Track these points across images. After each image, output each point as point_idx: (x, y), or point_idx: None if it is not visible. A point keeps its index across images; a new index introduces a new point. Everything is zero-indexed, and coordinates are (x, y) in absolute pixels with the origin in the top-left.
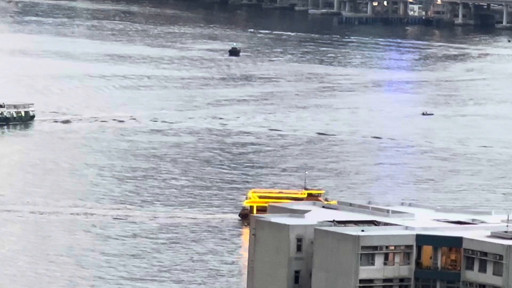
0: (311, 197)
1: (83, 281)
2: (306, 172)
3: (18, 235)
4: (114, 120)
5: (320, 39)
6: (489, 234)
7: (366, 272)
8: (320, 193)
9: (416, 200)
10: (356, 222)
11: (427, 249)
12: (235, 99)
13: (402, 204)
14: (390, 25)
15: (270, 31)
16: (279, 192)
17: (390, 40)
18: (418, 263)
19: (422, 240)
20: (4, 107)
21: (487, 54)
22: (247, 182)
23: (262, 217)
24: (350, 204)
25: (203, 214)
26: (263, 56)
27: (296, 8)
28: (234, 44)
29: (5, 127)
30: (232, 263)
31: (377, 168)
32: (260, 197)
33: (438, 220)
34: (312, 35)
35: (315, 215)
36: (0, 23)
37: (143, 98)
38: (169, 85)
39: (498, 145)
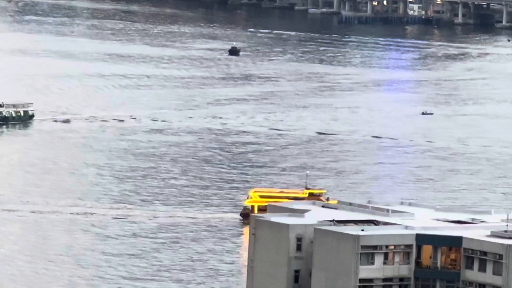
0: (313, 196)
1: (82, 281)
2: (308, 172)
3: (17, 235)
4: (113, 119)
5: (320, 38)
6: (489, 233)
7: (366, 271)
8: (322, 193)
9: (416, 200)
10: (356, 222)
11: (427, 249)
12: (235, 99)
13: (402, 203)
14: (390, 25)
15: (270, 31)
16: (280, 192)
17: (390, 39)
18: (418, 263)
19: (422, 239)
20: (3, 106)
21: (486, 54)
22: (247, 181)
23: (261, 217)
24: (350, 204)
25: (202, 214)
26: (263, 55)
27: (296, 7)
28: (234, 43)
29: (4, 126)
30: (232, 262)
31: (377, 167)
32: (261, 196)
33: (438, 220)
34: (312, 34)
35: (315, 215)
36: None
37: (143, 97)
38: (169, 85)
39: (498, 144)
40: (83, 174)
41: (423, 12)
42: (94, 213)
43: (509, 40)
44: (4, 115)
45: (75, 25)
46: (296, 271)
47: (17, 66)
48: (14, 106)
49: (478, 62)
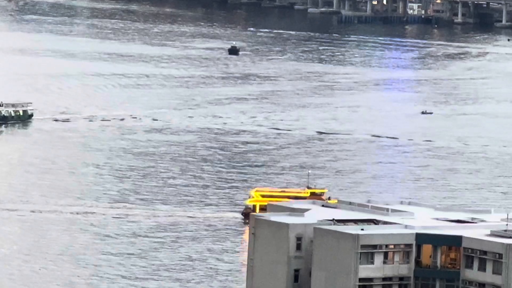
0: (314, 196)
1: (81, 280)
2: (309, 171)
3: (17, 234)
4: (113, 118)
5: (320, 38)
6: (489, 232)
7: (365, 270)
8: (323, 192)
9: (415, 199)
10: (356, 221)
11: (427, 248)
12: (235, 98)
13: (402, 202)
14: (390, 24)
15: (269, 30)
16: (282, 191)
17: (390, 39)
18: (417, 262)
19: (421, 238)
20: (2, 106)
21: (486, 53)
22: (246, 181)
23: (261, 216)
24: (350, 203)
25: (202, 213)
26: (262, 55)
27: (296, 7)
28: (234, 43)
29: (4, 126)
30: (232, 261)
31: (377, 166)
32: (263, 196)
33: (437, 219)
34: (312, 34)
35: (315, 214)
36: None
37: (143, 97)
38: (169, 84)
39: (498, 143)
40: (82, 174)
41: (423, 12)
42: (94, 213)
43: (508, 40)
44: (3, 115)
45: (75, 24)
46: (296, 271)
47: (16, 65)
48: (13, 105)
49: (477, 62)
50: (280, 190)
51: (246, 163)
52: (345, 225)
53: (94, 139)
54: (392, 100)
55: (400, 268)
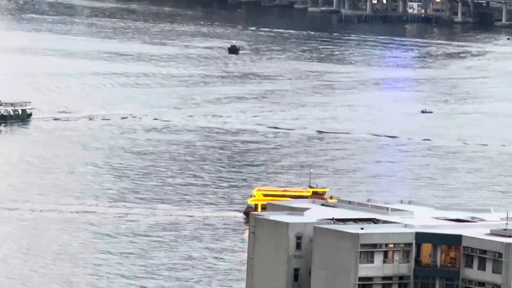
0: (316, 195)
1: (81, 279)
2: (311, 170)
3: (16, 233)
4: (112, 118)
5: (319, 37)
6: (489, 232)
7: (365, 270)
8: (325, 191)
9: (415, 198)
10: (356, 220)
11: (427, 247)
12: (235, 97)
13: (401, 202)
14: (389, 23)
15: (269, 29)
16: (284, 190)
17: (389, 38)
18: (417, 261)
19: (421, 238)
20: (1, 105)
21: (486, 52)
22: (245, 180)
23: (261, 215)
24: (349, 202)
25: (202, 212)
26: (262, 54)
27: (295, 6)
28: (233, 42)
29: (3, 125)
30: (232, 261)
31: (376, 165)
32: (265, 195)
33: (437, 218)
34: (312, 33)
35: (315, 213)
36: None
37: (142, 96)
38: (168, 83)
39: (497, 143)
40: (82, 173)
41: (423, 11)
42: (93, 212)
43: (508, 39)
44: (3, 114)
45: (75, 23)
46: (296, 270)
47: (16, 64)
48: (12, 104)
49: (477, 61)
50: (282, 189)
51: (245, 162)
52: (344, 224)
53: (94, 138)
54: (392, 99)
55: (400, 267)
